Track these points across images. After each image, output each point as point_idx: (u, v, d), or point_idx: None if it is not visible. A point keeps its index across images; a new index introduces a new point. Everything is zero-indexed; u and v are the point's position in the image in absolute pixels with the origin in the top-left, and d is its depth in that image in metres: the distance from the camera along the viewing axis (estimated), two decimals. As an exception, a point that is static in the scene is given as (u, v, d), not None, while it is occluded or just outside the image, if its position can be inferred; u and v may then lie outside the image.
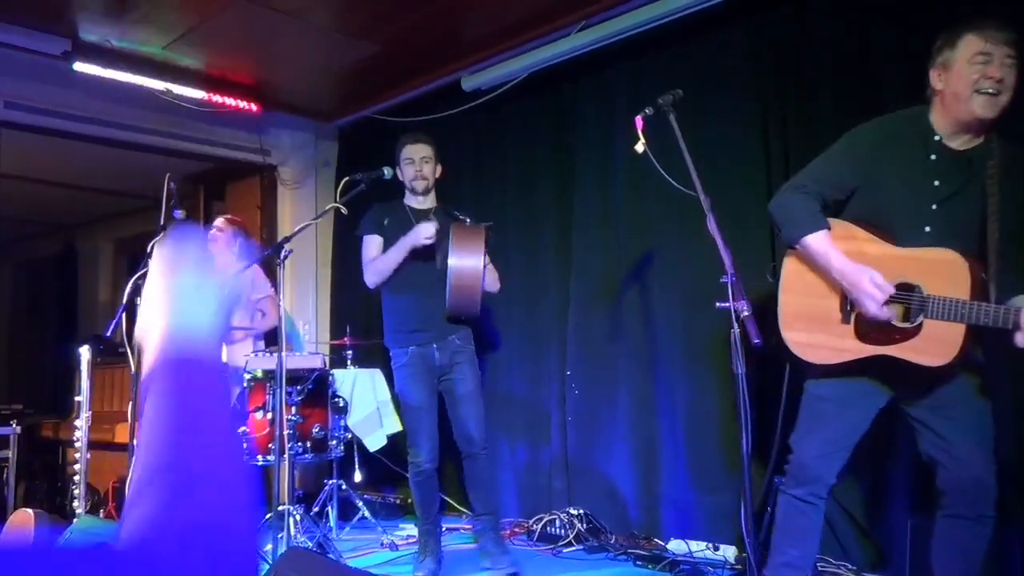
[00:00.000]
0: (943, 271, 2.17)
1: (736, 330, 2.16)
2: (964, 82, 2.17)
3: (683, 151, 2.37)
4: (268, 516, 3.74)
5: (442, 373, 3.56)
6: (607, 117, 4.34)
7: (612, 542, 3.90)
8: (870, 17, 3.40)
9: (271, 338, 4.53)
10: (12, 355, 8.99)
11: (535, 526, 4.10)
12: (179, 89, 4.93)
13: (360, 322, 5.05)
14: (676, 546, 3.73)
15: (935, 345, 2.16)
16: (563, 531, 3.97)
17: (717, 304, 2.27)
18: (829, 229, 2.32)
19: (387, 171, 3.55)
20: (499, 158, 4.93)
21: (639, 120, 2.48)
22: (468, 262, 3.31)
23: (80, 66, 4.52)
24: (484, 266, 3.37)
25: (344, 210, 3.41)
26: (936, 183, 2.25)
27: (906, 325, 2.20)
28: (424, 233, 3.37)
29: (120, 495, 4.36)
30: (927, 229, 2.23)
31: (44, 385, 8.09)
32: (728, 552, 3.55)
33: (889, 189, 2.30)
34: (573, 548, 3.90)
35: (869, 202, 2.33)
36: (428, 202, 3.66)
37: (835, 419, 2.37)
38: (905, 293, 2.20)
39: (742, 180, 3.69)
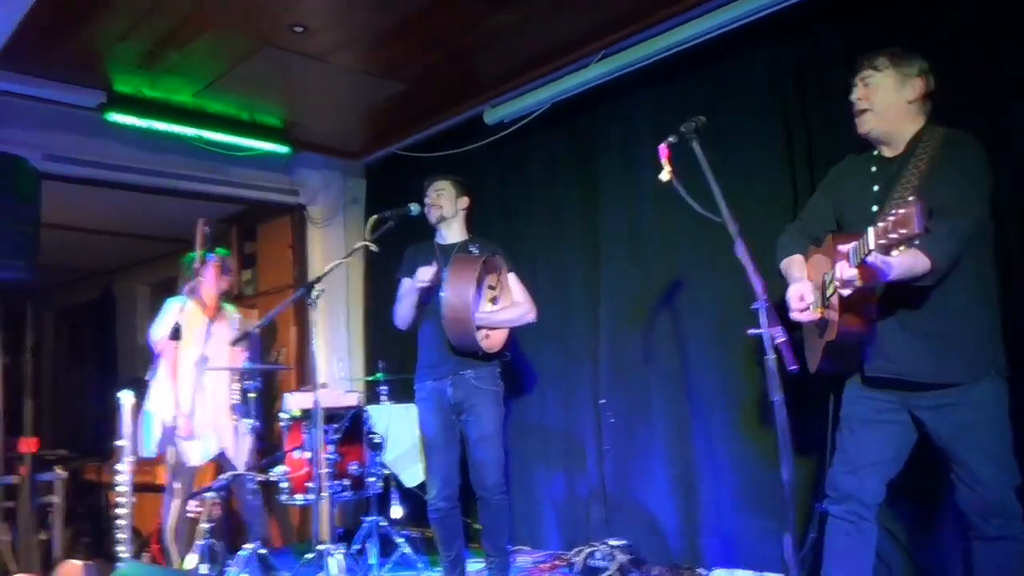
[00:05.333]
0: (824, 261, 2.44)
1: (771, 356, 2.13)
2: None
3: (708, 178, 2.35)
4: (309, 556, 3.75)
5: (458, 412, 3.50)
6: (631, 144, 4.35)
7: (655, 573, 3.84)
8: (894, 37, 3.37)
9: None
10: (55, 399, 9.15)
11: (576, 559, 4.05)
12: (210, 134, 5.05)
13: (395, 358, 5.06)
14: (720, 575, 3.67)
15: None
16: (605, 563, 3.91)
17: (749, 331, 2.24)
18: (804, 255, 2.59)
19: (414, 207, 3.56)
20: (524, 189, 4.95)
21: (663, 149, 2.42)
22: (458, 293, 3.29)
23: (115, 117, 4.66)
24: (475, 295, 3.34)
25: (374, 247, 3.43)
26: (875, 188, 2.44)
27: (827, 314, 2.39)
28: (420, 276, 3.41)
29: (162, 537, 4.38)
30: None
31: (86, 428, 8.21)
32: (774, 580, 3.48)
33: (848, 204, 2.56)
34: (615, 580, 3.85)
35: (841, 220, 2.59)
36: (454, 236, 3.65)
37: (852, 436, 2.45)
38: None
39: (769, 204, 3.66)
